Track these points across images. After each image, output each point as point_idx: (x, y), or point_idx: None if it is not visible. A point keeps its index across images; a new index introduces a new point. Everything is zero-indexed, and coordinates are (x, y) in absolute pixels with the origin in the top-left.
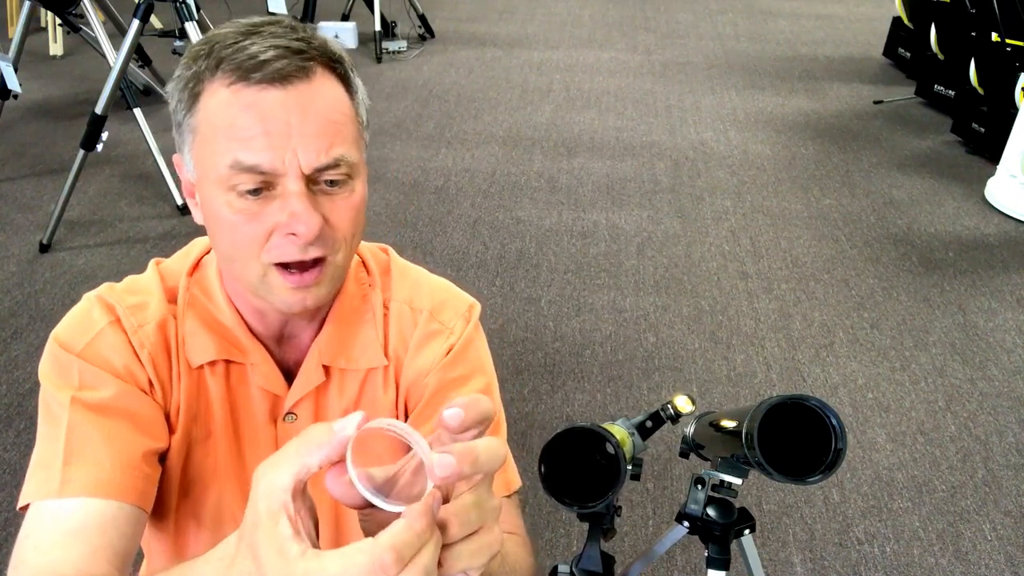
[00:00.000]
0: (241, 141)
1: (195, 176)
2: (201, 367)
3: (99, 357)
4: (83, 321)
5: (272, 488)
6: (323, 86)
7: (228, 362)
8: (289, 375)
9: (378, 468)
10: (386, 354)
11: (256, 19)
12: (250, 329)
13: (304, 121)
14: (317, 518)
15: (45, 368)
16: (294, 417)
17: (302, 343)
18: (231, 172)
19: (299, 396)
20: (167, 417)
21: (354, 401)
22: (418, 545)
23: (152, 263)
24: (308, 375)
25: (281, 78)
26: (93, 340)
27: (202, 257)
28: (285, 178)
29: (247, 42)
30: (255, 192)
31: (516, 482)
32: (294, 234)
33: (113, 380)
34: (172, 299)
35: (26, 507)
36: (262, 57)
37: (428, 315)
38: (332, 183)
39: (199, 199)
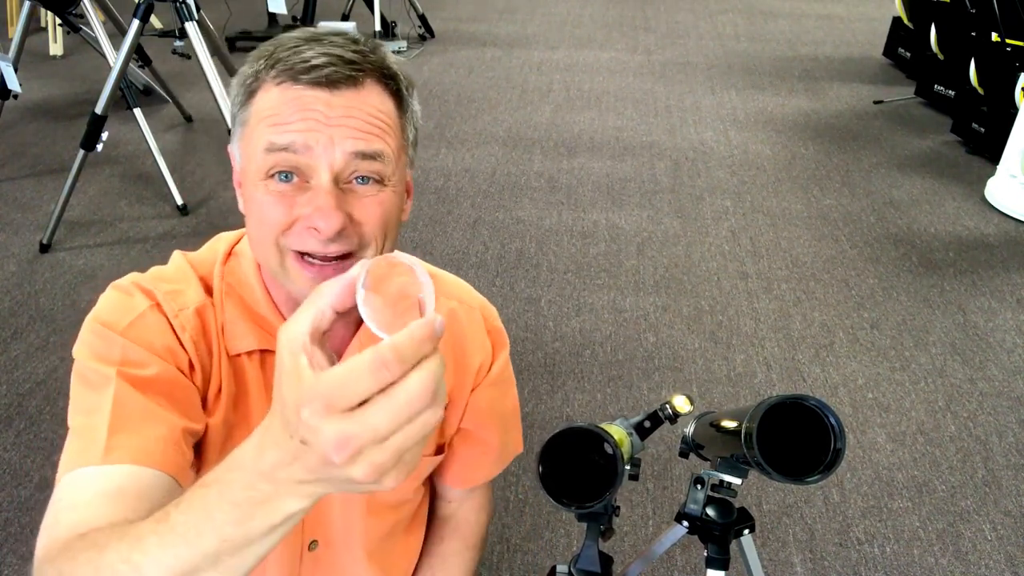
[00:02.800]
0: (278, 126)
1: (240, 166)
2: (239, 355)
3: (142, 337)
4: (123, 304)
5: (292, 335)
6: (371, 95)
7: (265, 351)
8: None
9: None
10: None
11: (325, 28)
12: (286, 318)
13: (345, 115)
14: (335, 361)
15: (84, 347)
16: None
17: (336, 334)
18: (265, 155)
19: None
20: (204, 401)
21: None
22: (418, 352)
23: (177, 254)
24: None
25: (329, 83)
26: (135, 321)
27: (233, 247)
28: (317, 171)
29: (305, 47)
30: (286, 177)
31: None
32: (315, 228)
33: (156, 360)
34: (207, 288)
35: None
36: (314, 62)
37: (480, 313)
38: (363, 180)
39: (242, 189)
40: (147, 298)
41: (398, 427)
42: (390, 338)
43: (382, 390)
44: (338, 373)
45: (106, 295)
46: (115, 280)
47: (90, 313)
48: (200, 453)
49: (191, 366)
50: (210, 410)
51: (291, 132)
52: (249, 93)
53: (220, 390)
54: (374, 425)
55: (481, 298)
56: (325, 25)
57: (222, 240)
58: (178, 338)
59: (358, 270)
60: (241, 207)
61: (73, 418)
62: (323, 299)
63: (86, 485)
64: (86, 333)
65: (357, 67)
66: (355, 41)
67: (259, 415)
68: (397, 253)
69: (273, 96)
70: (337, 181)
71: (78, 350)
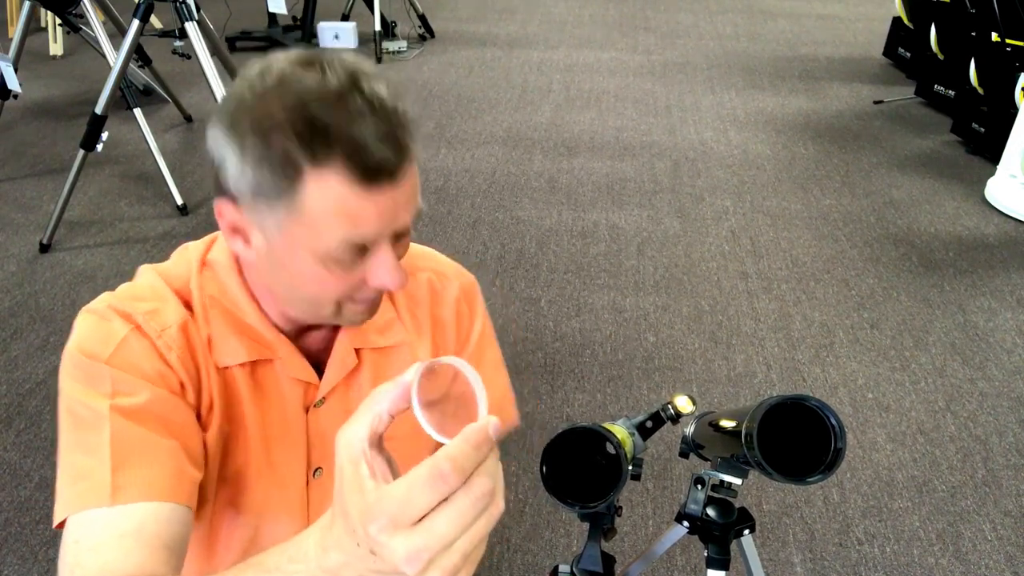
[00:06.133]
0: (356, 226)
1: (274, 238)
2: (228, 367)
3: (129, 364)
4: (103, 331)
5: (351, 441)
6: (414, 165)
7: (255, 361)
8: (314, 365)
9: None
10: (417, 323)
11: (330, 63)
12: (273, 324)
13: (407, 199)
14: (397, 471)
15: (69, 380)
16: (323, 401)
17: (322, 334)
18: (340, 247)
19: (334, 382)
20: (199, 416)
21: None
22: (477, 458)
23: (146, 269)
24: (342, 360)
25: (392, 176)
26: (119, 348)
27: (204, 256)
28: (381, 244)
29: (354, 123)
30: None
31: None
32: (385, 287)
33: (146, 385)
34: (185, 302)
35: (62, 523)
36: (377, 156)
37: (457, 282)
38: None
39: (261, 246)
40: (126, 322)
41: (463, 531)
42: (446, 448)
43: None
44: (400, 490)
45: (82, 322)
46: (89, 304)
47: (69, 342)
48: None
49: (181, 385)
50: (204, 424)
51: (369, 231)
52: (291, 177)
53: (212, 404)
54: (441, 535)
55: (456, 267)
56: (330, 50)
57: (190, 250)
58: (165, 359)
59: (412, 375)
60: (238, 249)
61: (68, 455)
62: (380, 404)
63: (102, 527)
64: (70, 366)
65: (409, 142)
66: (380, 83)
67: (253, 423)
68: (445, 357)
69: (340, 194)
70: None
71: (65, 384)
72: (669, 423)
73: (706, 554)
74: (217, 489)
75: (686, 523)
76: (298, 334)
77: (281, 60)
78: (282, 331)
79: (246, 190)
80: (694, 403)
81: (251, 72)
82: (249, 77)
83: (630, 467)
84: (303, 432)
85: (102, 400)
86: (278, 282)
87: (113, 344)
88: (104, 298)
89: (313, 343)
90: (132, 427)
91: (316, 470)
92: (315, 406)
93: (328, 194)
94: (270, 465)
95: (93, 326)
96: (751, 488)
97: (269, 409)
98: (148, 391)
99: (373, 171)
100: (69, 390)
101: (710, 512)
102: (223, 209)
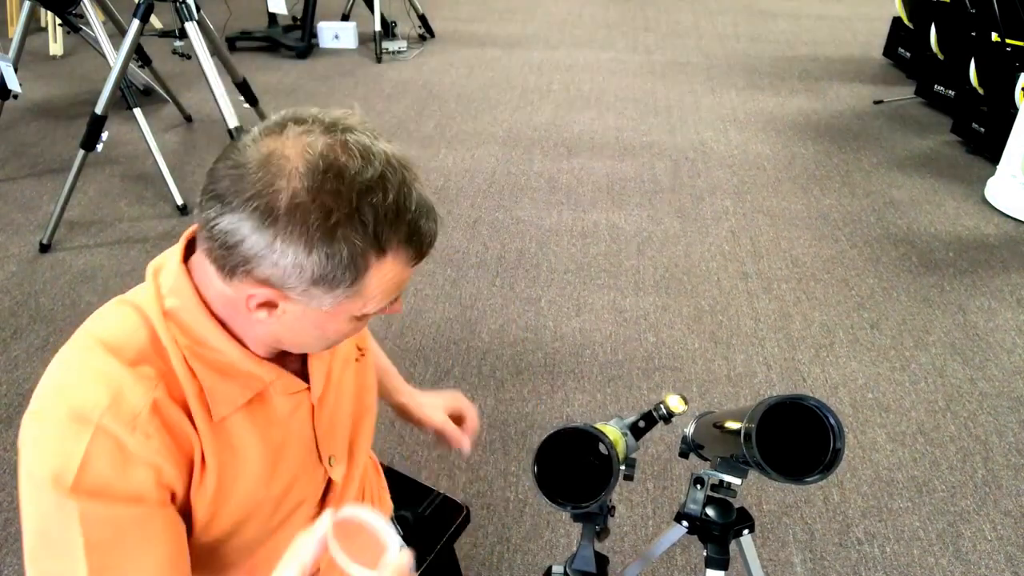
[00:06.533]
0: (399, 289)
1: (317, 310)
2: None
3: (98, 483)
4: (62, 449)
5: None
6: None
7: (251, 399)
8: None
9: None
10: None
11: (365, 150)
12: (255, 354)
13: None
14: None
15: (32, 504)
16: (318, 400)
17: (293, 360)
18: (382, 307)
19: (323, 379)
20: (190, 471)
21: (352, 351)
22: None
23: (124, 309)
24: (320, 358)
25: (432, 245)
26: (84, 465)
27: (163, 309)
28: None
29: (409, 211)
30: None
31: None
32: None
33: (120, 503)
34: (157, 366)
35: None
36: (429, 236)
37: None
38: None
39: (295, 315)
40: (84, 427)
41: None
42: None
43: None
44: None
45: (37, 433)
46: (35, 407)
47: (27, 457)
48: (188, 500)
49: (163, 469)
50: (196, 482)
51: (404, 287)
52: (358, 271)
53: (204, 461)
54: None
55: None
56: (343, 118)
57: (138, 306)
58: (141, 460)
59: (324, 527)
60: (263, 318)
61: (40, 550)
62: (304, 556)
63: None
64: (33, 489)
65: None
66: (411, 169)
67: (256, 453)
68: (347, 510)
69: (397, 271)
70: None
71: (28, 504)
72: (661, 423)
73: (705, 554)
74: (221, 526)
75: (685, 523)
76: (278, 354)
77: (316, 145)
78: (265, 357)
79: (301, 282)
80: (686, 403)
81: (288, 161)
82: (286, 165)
83: (622, 467)
84: (311, 436)
85: (76, 535)
86: (297, 335)
87: (75, 462)
88: (53, 394)
89: (292, 356)
90: (111, 541)
91: (330, 459)
92: (316, 407)
93: (388, 275)
94: (281, 481)
95: (51, 441)
96: (751, 488)
97: (271, 432)
98: (124, 506)
99: (426, 249)
100: (33, 511)
101: (709, 512)
102: (254, 292)
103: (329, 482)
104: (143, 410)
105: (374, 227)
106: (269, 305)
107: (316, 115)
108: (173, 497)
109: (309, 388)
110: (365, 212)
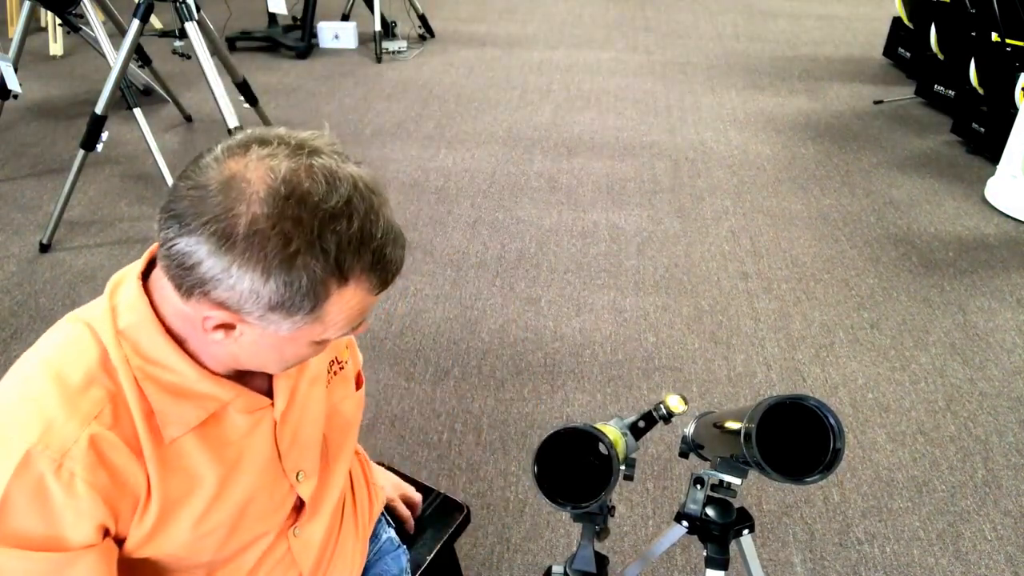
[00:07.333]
0: (362, 315)
1: (277, 333)
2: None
3: (15, 532)
4: None
5: None
6: None
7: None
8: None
9: None
10: None
11: (330, 174)
12: (215, 373)
13: None
14: None
15: None
16: (281, 416)
17: (258, 379)
18: (344, 332)
19: (287, 395)
20: (132, 505)
21: (324, 368)
22: None
23: (77, 325)
24: (285, 375)
25: (399, 272)
26: (1, 511)
27: (117, 328)
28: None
29: (374, 238)
30: None
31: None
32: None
33: (41, 556)
34: (107, 388)
35: None
36: (395, 264)
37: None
38: None
39: (253, 338)
40: (2, 469)
41: None
42: None
43: None
44: None
45: None
46: None
47: None
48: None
49: (93, 510)
50: (137, 516)
51: (367, 313)
52: (318, 297)
53: (149, 491)
54: None
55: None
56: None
57: (91, 327)
58: (65, 499)
59: None
60: (218, 339)
61: None
62: None
63: None
64: None
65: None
66: (373, 182)
67: (212, 474)
68: None
69: (360, 298)
70: None
71: None
72: (661, 423)
73: (705, 554)
74: (165, 552)
75: (685, 523)
76: (238, 371)
77: (278, 170)
78: (225, 375)
79: (257, 307)
80: (686, 402)
81: (249, 185)
82: (247, 189)
83: (622, 467)
84: (273, 451)
85: None
86: (255, 357)
87: None
88: None
89: (256, 373)
90: None
91: (298, 474)
92: (278, 422)
93: (350, 302)
94: (233, 501)
95: None
96: (751, 488)
97: (226, 451)
98: (41, 559)
99: (391, 277)
100: None
101: (709, 512)
102: (210, 315)
103: (300, 498)
104: (75, 446)
105: (336, 255)
106: (226, 327)
107: (282, 136)
108: (107, 532)
109: (272, 404)
110: (327, 240)
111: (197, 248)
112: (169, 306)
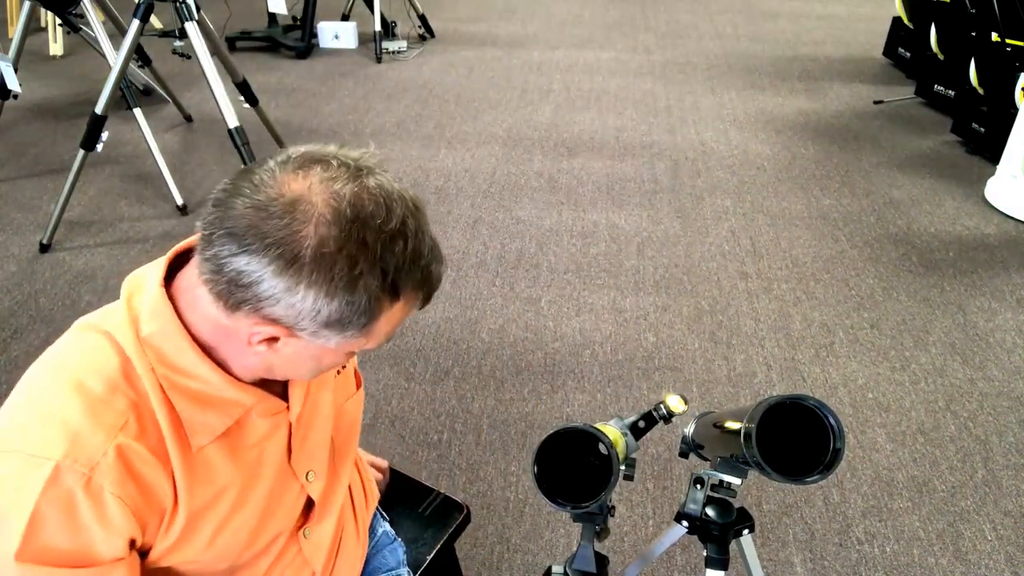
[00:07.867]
0: (393, 333)
1: (323, 346)
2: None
3: (45, 549)
4: (10, 498)
5: None
6: None
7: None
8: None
9: None
10: None
11: (389, 197)
12: (238, 378)
13: None
14: None
15: None
16: (297, 418)
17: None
18: (374, 348)
19: (302, 397)
20: (159, 516)
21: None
22: None
23: (92, 335)
24: (299, 382)
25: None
26: (29, 534)
27: (139, 337)
28: None
29: (422, 258)
30: None
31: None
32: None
33: (68, 572)
34: (129, 398)
35: None
36: (439, 282)
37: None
38: None
39: (296, 350)
40: (35, 476)
41: None
42: None
43: None
44: None
45: None
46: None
47: None
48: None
49: (122, 523)
50: (164, 526)
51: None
52: (373, 315)
53: (176, 499)
54: None
55: None
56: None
57: (111, 334)
58: (94, 513)
59: None
60: (262, 351)
61: None
62: None
63: None
64: None
65: None
66: (417, 202)
67: (232, 483)
68: None
69: (405, 313)
70: None
71: None
72: (661, 423)
73: (705, 554)
74: (207, 545)
75: (685, 523)
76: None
77: (342, 193)
78: (248, 381)
79: (314, 324)
80: (686, 402)
81: (313, 207)
82: (311, 212)
83: (622, 467)
84: (286, 453)
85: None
86: (292, 367)
87: (19, 528)
88: (11, 432)
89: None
90: None
91: (308, 474)
92: (293, 425)
93: (396, 316)
94: (256, 504)
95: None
96: (751, 488)
97: (247, 454)
98: (69, 574)
99: (433, 293)
100: None
101: (709, 512)
102: (258, 330)
103: (309, 500)
104: (103, 456)
105: (393, 276)
106: (271, 340)
107: (339, 156)
108: (133, 543)
109: (288, 408)
110: (387, 261)
111: (259, 268)
112: (196, 314)
